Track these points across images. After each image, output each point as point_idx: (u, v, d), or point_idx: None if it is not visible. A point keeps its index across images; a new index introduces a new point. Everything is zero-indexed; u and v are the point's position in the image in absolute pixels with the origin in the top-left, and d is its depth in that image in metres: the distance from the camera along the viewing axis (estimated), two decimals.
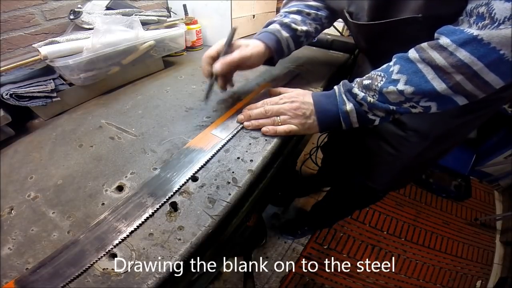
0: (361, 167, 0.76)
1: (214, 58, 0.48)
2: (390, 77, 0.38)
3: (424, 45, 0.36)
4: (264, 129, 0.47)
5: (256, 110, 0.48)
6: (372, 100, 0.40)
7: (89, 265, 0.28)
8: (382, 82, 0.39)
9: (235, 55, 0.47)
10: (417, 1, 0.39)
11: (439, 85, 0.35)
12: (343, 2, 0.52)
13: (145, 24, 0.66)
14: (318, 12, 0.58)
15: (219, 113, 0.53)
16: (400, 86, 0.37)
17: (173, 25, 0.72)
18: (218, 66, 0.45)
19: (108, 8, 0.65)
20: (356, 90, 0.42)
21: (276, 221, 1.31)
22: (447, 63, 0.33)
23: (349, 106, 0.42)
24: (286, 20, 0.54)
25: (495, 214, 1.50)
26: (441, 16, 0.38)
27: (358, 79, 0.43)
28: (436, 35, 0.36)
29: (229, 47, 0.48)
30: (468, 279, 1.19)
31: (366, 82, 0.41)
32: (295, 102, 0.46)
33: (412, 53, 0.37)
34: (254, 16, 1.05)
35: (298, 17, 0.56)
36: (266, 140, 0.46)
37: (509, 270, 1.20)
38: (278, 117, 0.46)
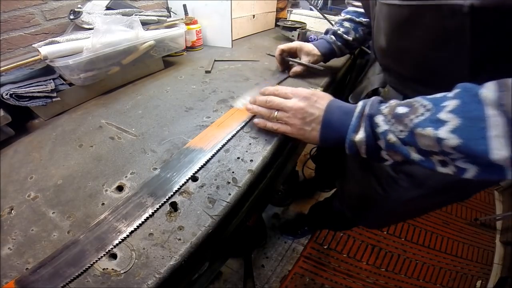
0: (344, 197, 0.70)
1: (285, 51, 0.68)
2: (436, 114, 0.27)
3: None
4: (255, 120, 0.46)
5: (261, 97, 0.45)
6: (394, 140, 0.30)
7: (89, 265, 0.28)
8: (421, 118, 0.28)
9: (301, 70, 0.67)
10: None
11: (498, 151, 0.22)
12: None
13: (145, 24, 0.66)
14: (368, 20, 0.62)
15: (219, 113, 0.53)
16: (443, 132, 0.25)
17: (173, 25, 0.72)
18: (292, 72, 0.68)
19: (108, 8, 0.65)
20: (380, 119, 0.32)
21: (276, 221, 1.31)
22: None
23: (359, 136, 0.33)
24: (340, 30, 0.66)
25: (495, 214, 1.50)
26: (499, 8, 0.25)
27: (393, 102, 0.32)
28: None
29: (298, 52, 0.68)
30: (468, 279, 1.19)
31: (401, 110, 0.30)
32: (302, 102, 0.40)
33: (489, 89, 0.24)
34: (254, 16, 1.05)
35: (350, 25, 0.66)
36: (266, 140, 0.46)
37: (509, 270, 1.20)
38: (276, 112, 0.42)
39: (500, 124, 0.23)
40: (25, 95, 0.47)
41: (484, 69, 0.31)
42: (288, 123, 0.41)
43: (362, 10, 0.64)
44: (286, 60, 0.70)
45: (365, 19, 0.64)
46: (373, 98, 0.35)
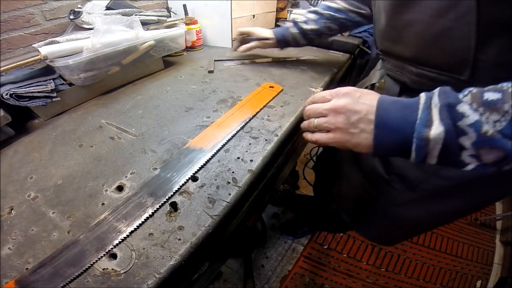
0: (340, 199, 0.67)
1: (243, 33, 0.74)
2: None
3: None
4: (304, 133, 0.38)
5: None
6: (492, 132, 0.24)
7: (89, 265, 0.28)
8: None
9: (253, 45, 0.73)
10: None
11: None
12: None
13: (145, 24, 0.66)
14: (335, 14, 0.64)
15: (219, 113, 0.53)
16: None
17: (173, 25, 0.72)
18: (242, 49, 0.74)
19: (108, 8, 0.65)
20: (465, 107, 0.25)
21: (276, 221, 1.31)
22: None
23: (436, 130, 0.26)
24: (300, 19, 0.68)
25: (495, 214, 1.50)
26: None
27: (473, 89, 0.26)
28: None
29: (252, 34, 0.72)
30: (468, 279, 1.19)
31: (490, 96, 0.24)
32: (343, 100, 0.32)
33: None
34: (254, 16, 1.05)
35: (312, 16, 0.66)
36: (266, 140, 0.46)
37: (509, 270, 1.20)
38: (315, 120, 0.35)
39: None
40: (25, 95, 0.47)
41: (492, 44, 0.30)
42: (329, 129, 0.33)
43: (335, 5, 0.66)
44: (245, 40, 0.75)
45: (330, 12, 0.65)
46: (441, 87, 0.29)
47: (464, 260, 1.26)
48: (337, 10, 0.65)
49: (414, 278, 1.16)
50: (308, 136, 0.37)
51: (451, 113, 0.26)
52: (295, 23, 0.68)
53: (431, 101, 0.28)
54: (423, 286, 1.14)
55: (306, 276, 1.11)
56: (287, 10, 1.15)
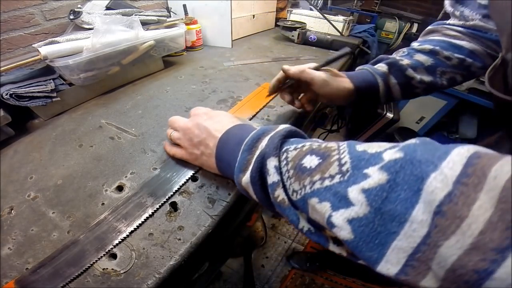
0: None
1: (290, 74, 0.43)
2: (347, 186, 0.17)
3: None
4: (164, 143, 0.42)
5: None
6: (282, 197, 0.21)
7: (89, 265, 0.28)
8: (327, 183, 0.18)
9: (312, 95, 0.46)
10: None
11: (391, 266, 0.15)
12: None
13: (145, 24, 0.66)
14: (467, 59, 0.40)
15: None
16: (340, 218, 0.17)
17: (173, 25, 0.72)
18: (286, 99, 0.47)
19: (108, 8, 0.65)
20: (271, 164, 0.22)
21: (276, 221, 1.31)
22: None
23: (245, 177, 0.24)
24: (405, 61, 0.41)
25: None
26: None
27: (307, 144, 0.22)
28: None
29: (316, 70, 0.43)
30: None
31: (309, 161, 0.20)
32: (191, 121, 0.36)
33: (451, 170, 0.14)
34: (254, 16, 1.05)
35: (427, 60, 0.41)
36: None
37: None
38: (173, 132, 0.39)
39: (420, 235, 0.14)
40: (25, 95, 0.47)
41: None
42: (181, 144, 0.37)
43: (466, 43, 0.40)
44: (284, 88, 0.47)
45: (461, 55, 0.40)
46: (283, 126, 0.25)
47: None
48: (471, 53, 0.40)
49: None
50: (166, 147, 0.40)
51: (260, 164, 0.23)
52: (397, 67, 0.41)
53: (257, 142, 0.25)
54: None
55: (306, 276, 1.11)
56: (287, 10, 1.15)
